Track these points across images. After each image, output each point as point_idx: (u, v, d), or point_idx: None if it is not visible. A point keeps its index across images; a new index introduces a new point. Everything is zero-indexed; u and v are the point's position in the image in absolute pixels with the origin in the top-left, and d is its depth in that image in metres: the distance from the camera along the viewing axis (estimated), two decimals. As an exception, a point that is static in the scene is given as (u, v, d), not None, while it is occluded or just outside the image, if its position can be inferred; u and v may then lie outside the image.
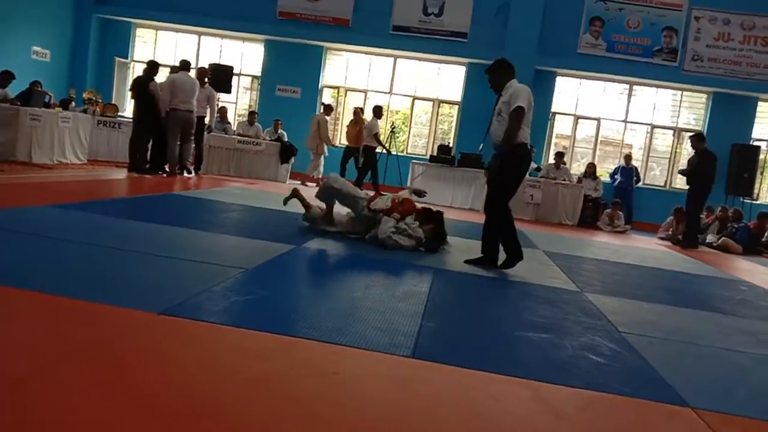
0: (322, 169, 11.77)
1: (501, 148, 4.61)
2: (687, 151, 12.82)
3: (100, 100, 10.93)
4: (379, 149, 11.01)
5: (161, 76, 9.45)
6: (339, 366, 2.27)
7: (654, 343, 3.24)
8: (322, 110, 11.77)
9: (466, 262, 4.81)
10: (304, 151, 12.19)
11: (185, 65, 9.45)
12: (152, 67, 9.20)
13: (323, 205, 5.45)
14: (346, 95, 13.57)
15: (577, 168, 12.75)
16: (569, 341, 3.02)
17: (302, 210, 5.62)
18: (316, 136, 11.51)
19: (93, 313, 2.48)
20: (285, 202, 5.88)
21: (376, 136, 10.79)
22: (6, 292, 2.59)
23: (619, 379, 2.58)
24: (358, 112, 11.65)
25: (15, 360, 1.93)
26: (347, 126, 11.72)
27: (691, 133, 10.12)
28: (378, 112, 11.19)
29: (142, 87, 9.00)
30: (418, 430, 1.85)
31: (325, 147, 11.68)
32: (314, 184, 11.28)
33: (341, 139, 12.61)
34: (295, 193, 5.78)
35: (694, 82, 12.13)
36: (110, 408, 1.71)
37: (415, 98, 13.40)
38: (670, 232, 10.54)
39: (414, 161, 11.80)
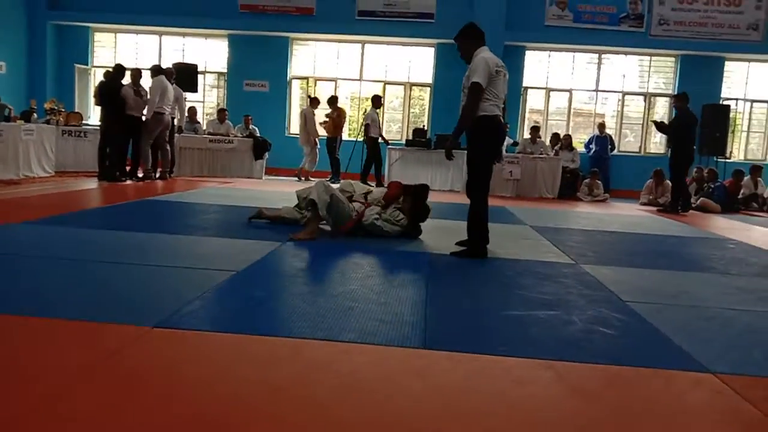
0: (317, 161, 11.66)
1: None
2: (658, 115, 12.94)
3: (63, 110, 10.55)
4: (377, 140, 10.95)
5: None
6: (352, 365, 2.16)
7: (660, 309, 3.19)
8: (308, 104, 11.55)
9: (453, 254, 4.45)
10: (278, 145, 12.00)
11: (161, 70, 9.38)
12: (119, 71, 8.95)
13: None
14: (315, 85, 13.34)
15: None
16: (577, 316, 2.96)
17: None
18: (305, 130, 11.35)
19: (83, 333, 2.33)
20: (249, 221, 5.39)
21: (370, 127, 10.69)
22: (-14, 317, 2.42)
23: (635, 351, 2.52)
24: (334, 101, 11.46)
25: (13, 392, 1.78)
26: (326, 117, 11.51)
27: (675, 94, 9.90)
28: (377, 101, 11.07)
29: (113, 93, 8.74)
30: (447, 425, 1.75)
31: (318, 140, 11.50)
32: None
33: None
34: (260, 214, 5.39)
35: (662, 46, 12.18)
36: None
37: (386, 83, 13.24)
38: (651, 197, 10.61)
39: (390, 147, 11.67)
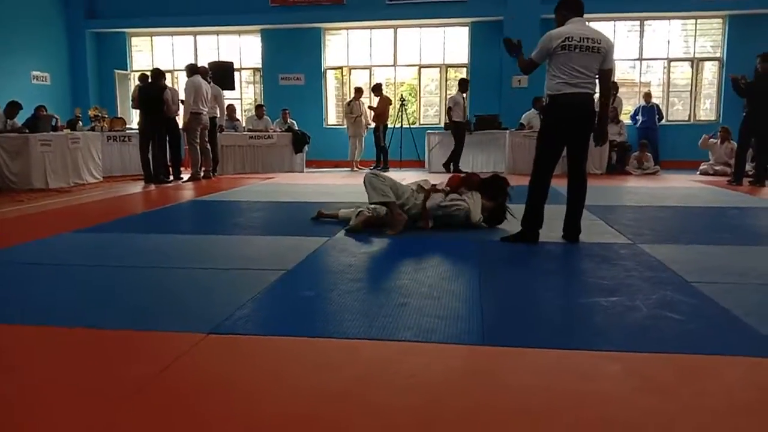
0: (358, 151, 11.71)
1: None
2: (707, 81, 12.39)
3: (106, 116, 10.79)
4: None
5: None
6: (411, 366, 2.09)
7: (730, 290, 3.02)
8: (355, 94, 11.56)
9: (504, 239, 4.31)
10: (316, 137, 12.01)
11: (196, 69, 9.49)
12: (158, 75, 9.10)
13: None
14: (350, 74, 13.27)
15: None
16: (641, 301, 2.81)
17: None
18: (354, 122, 11.39)
19: (136, 343, 2.33)
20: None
21: (453, 110, 10.59)
22: (44, 332, 2.45)
23: (708, 337, 2.37)
24: (380, 87, 11.36)
25: (69, 408, 1.78)
26: (369, 106, 11.44)
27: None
28: (463, 85, 10.91)
29: (154, 96, 8.89)
30: (515, 426, 1.67)
31: (363, 130, 11.47)
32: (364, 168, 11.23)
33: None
34: (320, 215, 5.22)
35: (708, 7, 11.61)
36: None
37: (421, 67, 13.05)
38: (711, 161, 10.15)
39: (429, 131, 11.53)
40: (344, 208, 5.17)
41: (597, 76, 4.07)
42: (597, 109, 4.21)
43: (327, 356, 2.19)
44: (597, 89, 4.14)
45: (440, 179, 5.31)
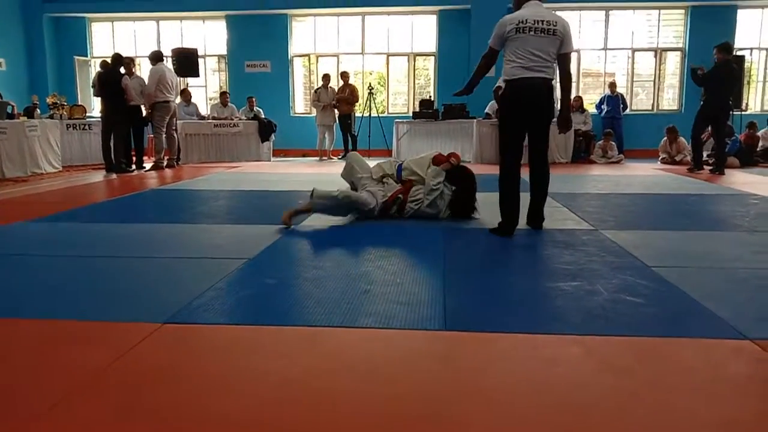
0: (328, 141, 11.58)
1: None
2: (670, 71, 12.61)
3: (65, 103, 10.44)
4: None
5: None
6: (370, 352, 2.07)
7: (688, 274, 3.07)
8: (323, 81, 11.43)
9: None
10: (283, 125, 11.86)
11: (161, 56, 9.24)
12: (117, 61, 8.86)
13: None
14: (317, 62, 13.13)
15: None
16: (602, 286, 2.84)
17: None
18: (321, 110, 11.29)
19: (91, 334, 2.25)
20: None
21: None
22: (-7, 323, 2.36)
23: (666, 320, 2.40)
24: (345, 76, 11.25)
25: (27, 396, 1.71)
26: (337, 94, 11.32)
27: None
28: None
29: (113, 83, 8.66)
30: (473, 411, 1.66)
31: (329, 118, 11.33)
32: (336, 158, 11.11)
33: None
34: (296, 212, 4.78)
35: (671, -1, 11.81)
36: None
37: (389, 55, 12.98)
38: (666, 156, 10.40)
39: (397, 120, 11.49)
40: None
41: (555, 61, 4.00)
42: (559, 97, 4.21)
43: (287, 345, 2.15)
44: (557, 74, 4.07)
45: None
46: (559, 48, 3.95)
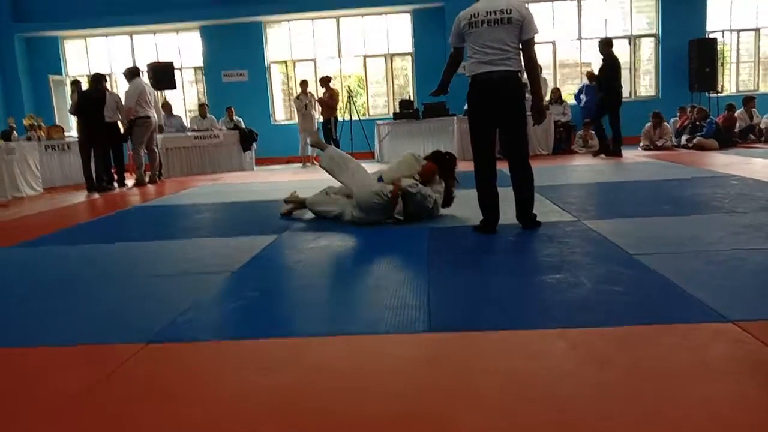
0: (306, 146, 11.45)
1: None
2: (645, 57, 12.71)
3: (42, 124, 10.34)
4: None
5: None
6: (356, 360, 2.06)
7: (669, 259, 3.09)
8: (300, 88, 11.35)
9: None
10: (264, 134, 11.82)
11: (137, 72, 9.20)
12: (99, 79, 8.84)
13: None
14: (294, 67, 13.09)
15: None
16: (585, 277, 2.86)
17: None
18: (304, 116, 11.22)
19: (72, 359, 2.23)
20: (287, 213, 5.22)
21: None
22: (-26, 354, 2.33)
23: (648, 307, 2.42)
24: (326, 81, 11.21)
25: (5, 424, 1.69)
26: (318, 98, 11.26)
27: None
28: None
29: (97, 102, 8.61)
30: (462, 412, 1.66)
31: (310, 123, 11.22)
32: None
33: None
34: (291, 207, 5.21)
35: (642, -15, 11.90)
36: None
37: (366, 57, 12.98)
38: (648, 142, 10.48)
39: (378, 122, 11.49)
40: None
41: (520, 50, 3.86)
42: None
43: (271, 358, 2.14)
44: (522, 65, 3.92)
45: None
46: (520, 35, 3.83)
